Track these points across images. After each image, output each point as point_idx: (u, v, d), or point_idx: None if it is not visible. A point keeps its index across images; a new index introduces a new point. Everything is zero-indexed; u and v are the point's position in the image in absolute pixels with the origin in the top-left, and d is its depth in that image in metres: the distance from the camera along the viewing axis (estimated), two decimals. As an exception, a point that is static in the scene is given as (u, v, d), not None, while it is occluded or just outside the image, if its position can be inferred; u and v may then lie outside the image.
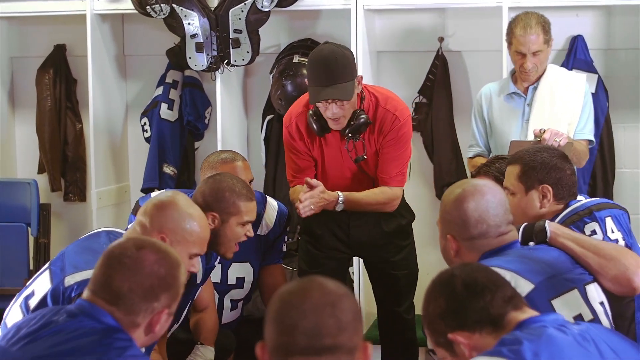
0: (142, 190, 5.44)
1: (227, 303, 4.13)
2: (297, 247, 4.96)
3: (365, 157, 3.97)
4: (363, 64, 4.96)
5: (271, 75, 5.30)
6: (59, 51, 5.81)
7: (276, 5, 4.96)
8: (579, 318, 2.65)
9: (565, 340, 2.14)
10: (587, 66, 5.00)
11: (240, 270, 4.10)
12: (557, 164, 3.20)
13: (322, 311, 1.93)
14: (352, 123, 3.90)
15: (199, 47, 5.03)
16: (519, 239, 2.91)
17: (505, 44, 4.78)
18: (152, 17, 5.05)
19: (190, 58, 5.08)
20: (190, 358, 3.63)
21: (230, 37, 5.01)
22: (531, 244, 2.92)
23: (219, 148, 5.20)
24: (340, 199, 3.92)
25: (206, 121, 5.58)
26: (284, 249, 4.25)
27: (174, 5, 5.00)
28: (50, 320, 2.41)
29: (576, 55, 5.02)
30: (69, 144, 5.78)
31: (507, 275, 2.57)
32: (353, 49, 4.88)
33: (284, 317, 1.94)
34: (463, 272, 2.24)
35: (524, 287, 2.58)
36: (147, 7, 5.02)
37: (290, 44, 5.42)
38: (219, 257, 3.79)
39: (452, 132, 5.27)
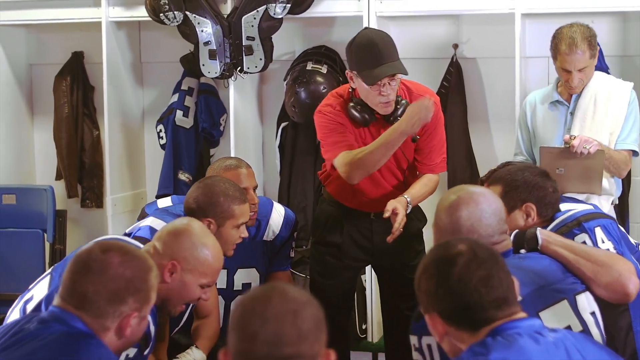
0: (156, 197, 5.45)
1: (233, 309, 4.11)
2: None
3: (418, 137, 3.95)
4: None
5: (285, 83, 5.30)
6: (77, 58, 5.85)
7: (288, 13, 4.96)
8: (568, 330, 2.62)
9: (535, 350, 2.11)
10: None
11: (247, 276, 4.10)
12: (539, 183, 3.21)
13: (283, 319, 1.92)
14: (397, 107, 3.90)
15: (212, 54, 5.05)
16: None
17: (518, 51, 4.77)
18: (166, 24, 5.08)
19: (203, 65, 5.09)
20: (179, 357, 3.60)
21: (243, 44, 5.02)
22: (522, 251, 2.89)
23: (232, 155, 5.21)
24: (408, 200, 3.89)
25: (221, 128, 5.59)
26: (292, 254, 4.24)
27: (187, 13, 5.02)
28: (22, 328, 2.41)
29: (592, 63, 4.96)
30: (85, 151, 5.81)
31: None
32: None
33: (245, 325, 1.93)
34: (466, 260, 2.20)
35: None
36: (161, 14, 5.04)
37: (304, 51, 5.42)
38: None
39: (466, 139, 5.24)
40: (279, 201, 5.31)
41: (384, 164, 3.93)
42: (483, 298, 2.16)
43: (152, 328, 2.97)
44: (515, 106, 4.72)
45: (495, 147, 5.22)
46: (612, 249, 3.04)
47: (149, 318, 2.91)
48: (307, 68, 5.20)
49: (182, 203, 3.81)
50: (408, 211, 3.86)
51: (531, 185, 3.19)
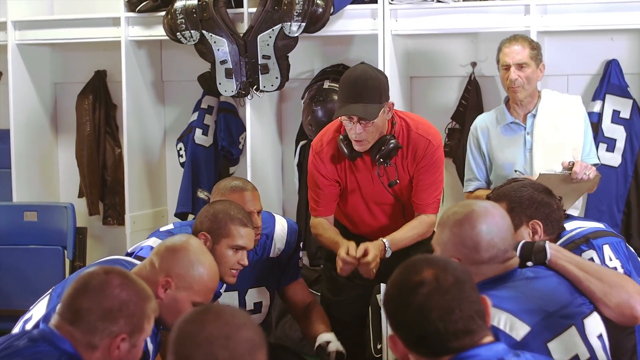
0: (175, 215, 5.49)
1: None
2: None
3: (397, 181, 3.94)
4: (392, 89, 4.90)
5: (302, 101, 5.30)
6: (99, 77, 5.92)
7: (304, 31, 4.95)
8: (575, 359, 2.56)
9: None
10: (622, 91, 4.89)
11: (258, 295, 4.09)
12: (544, 200, 3.14)
13: (215, 343, 1.95)
14: (382, 148, 3.87)
15: (229, 73, 5.06)
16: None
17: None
18: (183, 43, 5.10)
19: (220, 84, 5.11)
20: None
21: (259, 62, 5.02)
22: (529, 264, 2.80)
23: (249, 173, 5.23)
24: (387, 245, 3.86)
25: (240, 146, 5.60)
26: (300, 264, 4.22)
27: (204, 32, 5.04)
28: (12, 344, 2.44)
29: (610, 80, 4.91)
30: (108, 169, 5.86)
31: (503, 317, 2.49)
32: (381, 75, 4.88)
33: (179, 347, 1.98)
34: (428, 290, 2.10)
35: (519, 329, 2.49)
36: (178, 33, 5.07)
37: (322, 69, 5.41)
38: (224, 284, 3.78)
39: (484, 158, 5.19)
40: (297, 220, 5.31)
41: (378, 194, 4.00)
42: (441, 331, 2.08)
43: (151, 346, 2.97)
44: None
45: (513, 166, 5.16)
46: (619, 268, 2.98)
47: (147, 338, 2.92)
48: (323, 87, 5.20)
49: (183, 227, 3.82)
50: (387, 255, 3.83)
51: (537, 202, 3.12)
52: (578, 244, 3.05)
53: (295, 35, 4.96)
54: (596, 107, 4.90)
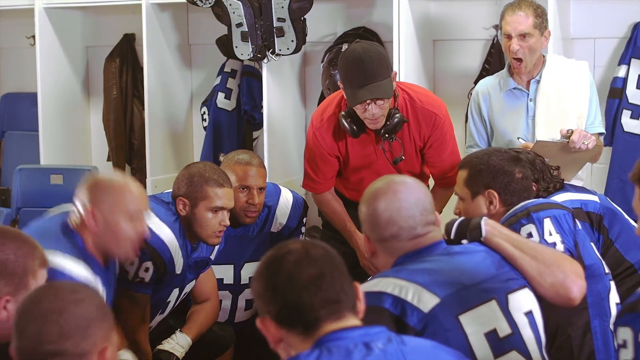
0: (196, 179, 5.46)
1: (241, 303, 4.10)
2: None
3: (403, 157, 3.87)
4: (406, 54, 4.80)
5: (322, 65, 5.22)
6: (127, 40, 5.91)
7: (318, -7, 4.87)
8: (492, 334, 2.43)
9: None
10: (647, 55, 4.69)
11: (254, 269, 4.04)
12: (505, 168, 3.05)
13: (45, 318, 1.96)
14: (387, 123, 3.80)
15: (244, 36, 4.99)
16: (452, 235, 2.72)
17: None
18: (199, 6, 5.05)
19: (236, 47, 5.05)
20: (163, 343, 3.59)
21: (274, 25, 4.94)
22: (464, 242, 2.70)
23: (265, 137, 5.17)
24: None
25: (263, 111, 5.54)
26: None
27: (220, -6, 4.99)
28: None
29: (636, 44, 4.70)
30: (135, 132, 5.86)
31: (411, 289, 2.39)
32: (396, 38, 4.77)
33: (17, 322, 2.00)
34: (295, 258, 2.03)
35: (427, 301, 2.38)
36: (193, -4, 5.02)
37: (344, 32, 5.32)
38: (214, 250, 3.75)
39: (506, 123, 5.04)
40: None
41: (383, 167, 3.92)
42: (312, 297, 1.99)
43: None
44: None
45: (535, 132, 5.01)
46: (559, 243, 2.83)
47: (99, 280, 2.94)
48: (342, 50, 5.08)
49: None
50: None
51: (495, 170, 3.04)
52: (519, 217, 2.92)
53: (310, -3, 4.88)
54: (621, 71, 4.71)
